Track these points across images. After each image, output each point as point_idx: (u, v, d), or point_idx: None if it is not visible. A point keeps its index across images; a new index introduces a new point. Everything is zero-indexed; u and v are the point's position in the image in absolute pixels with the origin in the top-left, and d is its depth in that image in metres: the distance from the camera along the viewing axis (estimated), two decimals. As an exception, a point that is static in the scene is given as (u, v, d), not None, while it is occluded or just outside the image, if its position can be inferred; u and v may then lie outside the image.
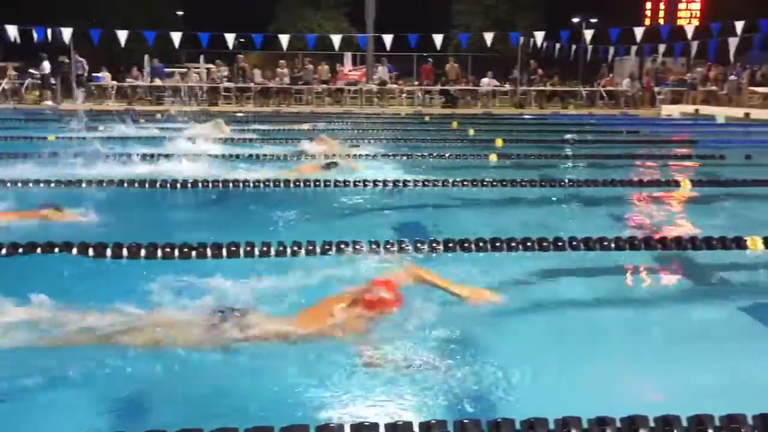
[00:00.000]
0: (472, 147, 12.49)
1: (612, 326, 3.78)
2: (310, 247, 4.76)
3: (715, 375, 3.15)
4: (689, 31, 26.94)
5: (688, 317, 3.87)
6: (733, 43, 22.98)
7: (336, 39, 26.72)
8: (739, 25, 23.44)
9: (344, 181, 7.60)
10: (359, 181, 7.62)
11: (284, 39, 25.71)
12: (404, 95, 26.63)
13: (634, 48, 27.09)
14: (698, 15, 47.82)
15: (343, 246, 4.80)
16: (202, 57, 28.21)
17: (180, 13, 43.98)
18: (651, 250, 4.77)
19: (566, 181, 7.85)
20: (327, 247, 4.79)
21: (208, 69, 27.02)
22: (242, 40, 28.11)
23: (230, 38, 24.96)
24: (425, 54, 27.43)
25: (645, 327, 3.73)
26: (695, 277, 4.32)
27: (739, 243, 4.75)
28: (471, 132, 15.00)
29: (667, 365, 3.27)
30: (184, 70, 28.07)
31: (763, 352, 3.41)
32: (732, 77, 25.49)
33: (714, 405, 2.52)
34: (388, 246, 4.81)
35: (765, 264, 4.50)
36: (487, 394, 2.83)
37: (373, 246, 4.80)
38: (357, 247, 4.81)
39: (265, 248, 4.73)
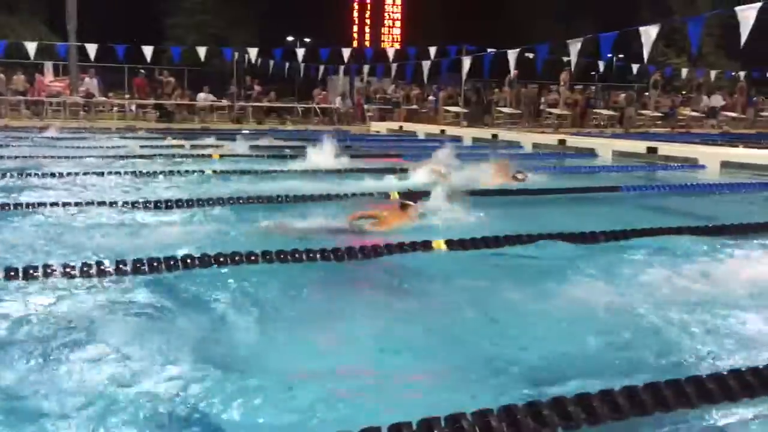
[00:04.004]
0: (189, 162, 12.29)
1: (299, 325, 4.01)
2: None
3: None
4: (391, 53, 29.56)
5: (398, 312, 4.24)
6: (426, 65, 25.67)
7: (31, 47, 24.45)
8: (432, 50, 26.31)
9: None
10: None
11: (-32, 44, 22.86)
12: (115, 109, 25.24)
13: (342, 67, 28.88)
14: (399, 39, 52.47)
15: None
16: None
17: None
18: (353, 259, 5.17)
19: (281, 197, 8.08)
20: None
21: None
22: None
23: None
24: (139, 66, 26.27)
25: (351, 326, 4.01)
26: (391, 280, 4.78)
27: (426, 246, 5.38)
28: (188, 147, 14.75)
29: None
30: None
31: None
32: (431, 97, 28.46)
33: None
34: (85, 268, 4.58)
35: (449, 262, 5.20)
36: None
37: (68, 269, 4.55)
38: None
39: None
